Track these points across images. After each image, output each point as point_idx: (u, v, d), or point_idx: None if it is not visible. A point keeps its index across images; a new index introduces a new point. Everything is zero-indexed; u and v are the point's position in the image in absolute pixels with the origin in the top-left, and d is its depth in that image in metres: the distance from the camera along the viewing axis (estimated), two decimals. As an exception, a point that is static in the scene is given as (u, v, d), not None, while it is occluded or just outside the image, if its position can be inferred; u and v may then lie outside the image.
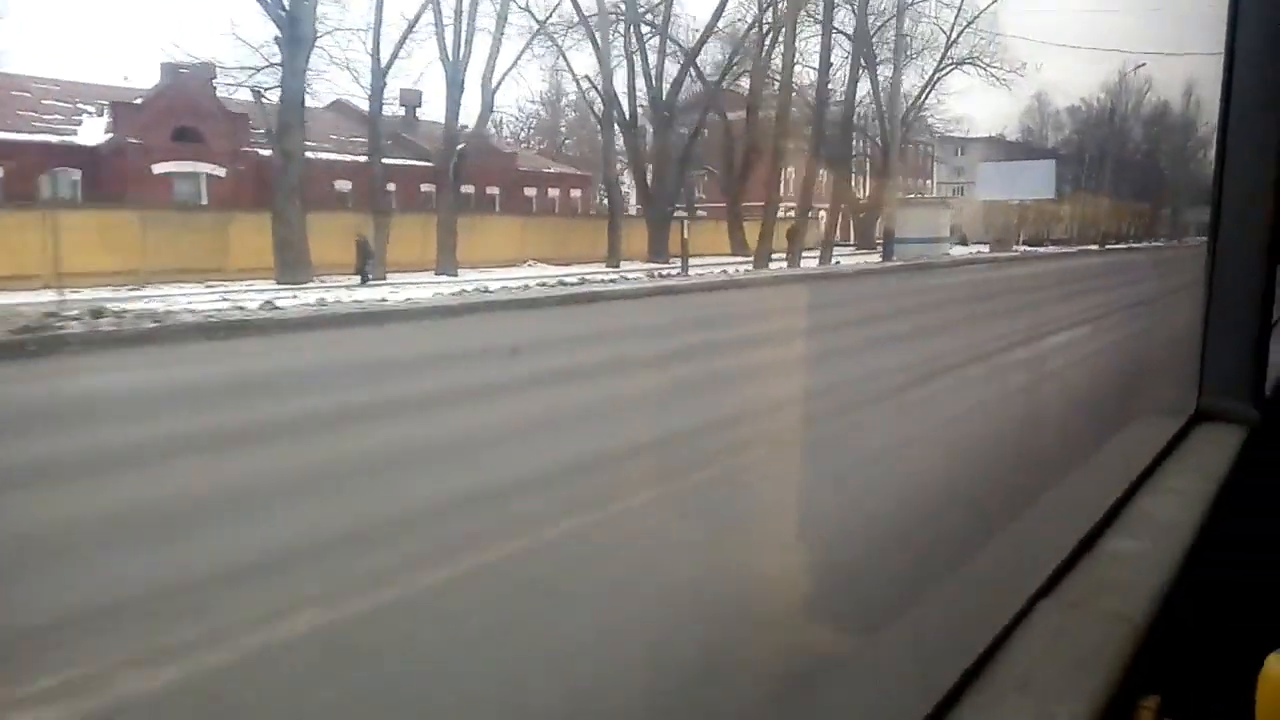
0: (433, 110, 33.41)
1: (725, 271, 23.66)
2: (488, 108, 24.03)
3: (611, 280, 20.57)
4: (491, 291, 17.15)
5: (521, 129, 52.41)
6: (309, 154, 21.85)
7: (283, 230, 19.94)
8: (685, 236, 23.06)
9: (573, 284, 18.32)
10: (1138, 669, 1.00)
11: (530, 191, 41.71)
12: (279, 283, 19.08)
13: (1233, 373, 2.06)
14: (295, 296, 15.59)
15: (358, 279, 20.79)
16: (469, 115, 26.10)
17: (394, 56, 21.42)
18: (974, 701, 0.91)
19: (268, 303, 14.21)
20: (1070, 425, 6.14)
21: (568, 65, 32.86)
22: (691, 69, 33.04)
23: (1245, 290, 2.07)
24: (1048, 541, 1.40)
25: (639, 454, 5.27)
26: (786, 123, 35.08)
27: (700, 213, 41.56)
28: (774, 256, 31.85)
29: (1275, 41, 1.93)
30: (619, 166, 34.67)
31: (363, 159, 25.91)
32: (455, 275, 22.60)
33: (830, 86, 48.87)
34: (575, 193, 46.64)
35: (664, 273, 23.12)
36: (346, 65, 30.82)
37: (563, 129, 52.48)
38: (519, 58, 29.84)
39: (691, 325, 14.53)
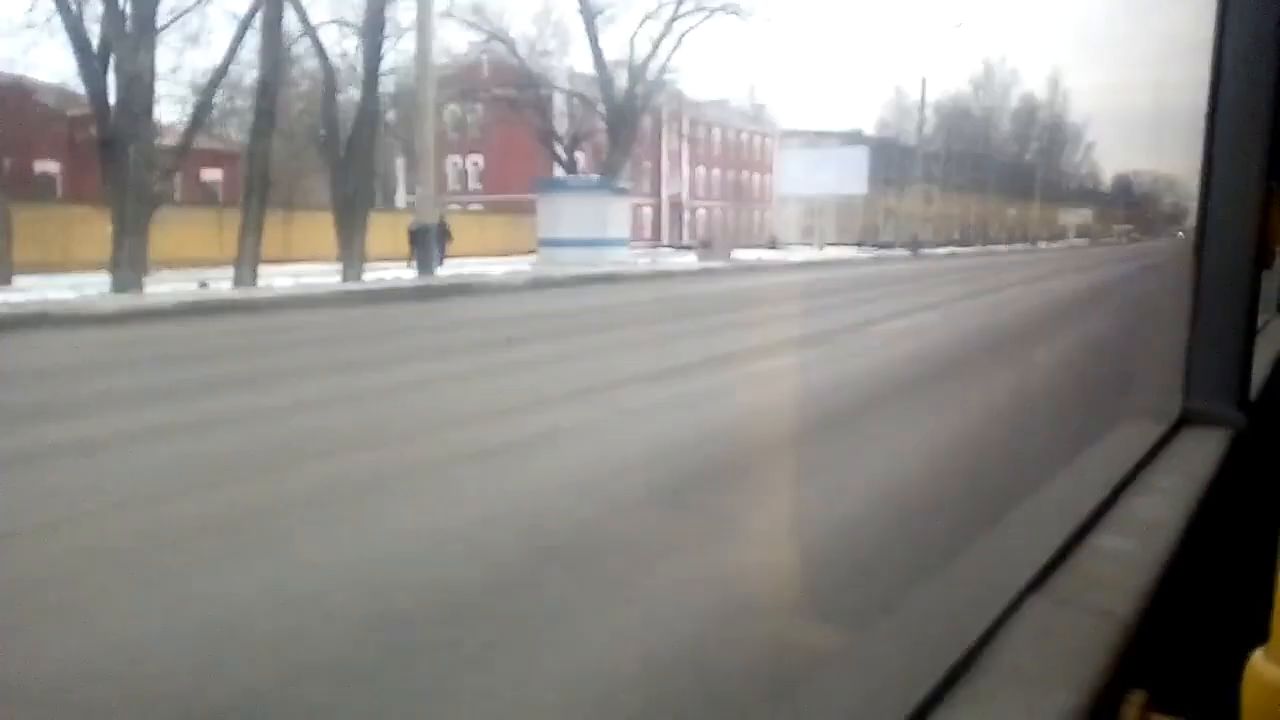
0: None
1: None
2: None
3: None
4: None
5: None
6: None
7: None
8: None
9: None
10: (1125, 664, 1.01)
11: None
12: None
13: (1218, 376, 2.04)
14: None
15: None
16: None
17: None
18: (962, 694, 0.91)
19: None
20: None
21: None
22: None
23: (1230, 294, 2.03)
24: (1037, 539, 1.38)
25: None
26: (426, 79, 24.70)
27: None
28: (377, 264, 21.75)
29: (1263, 42, 1.91)
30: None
31: None
32: None
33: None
34: (215, 173, 36.01)
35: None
36: None
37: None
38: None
39: None
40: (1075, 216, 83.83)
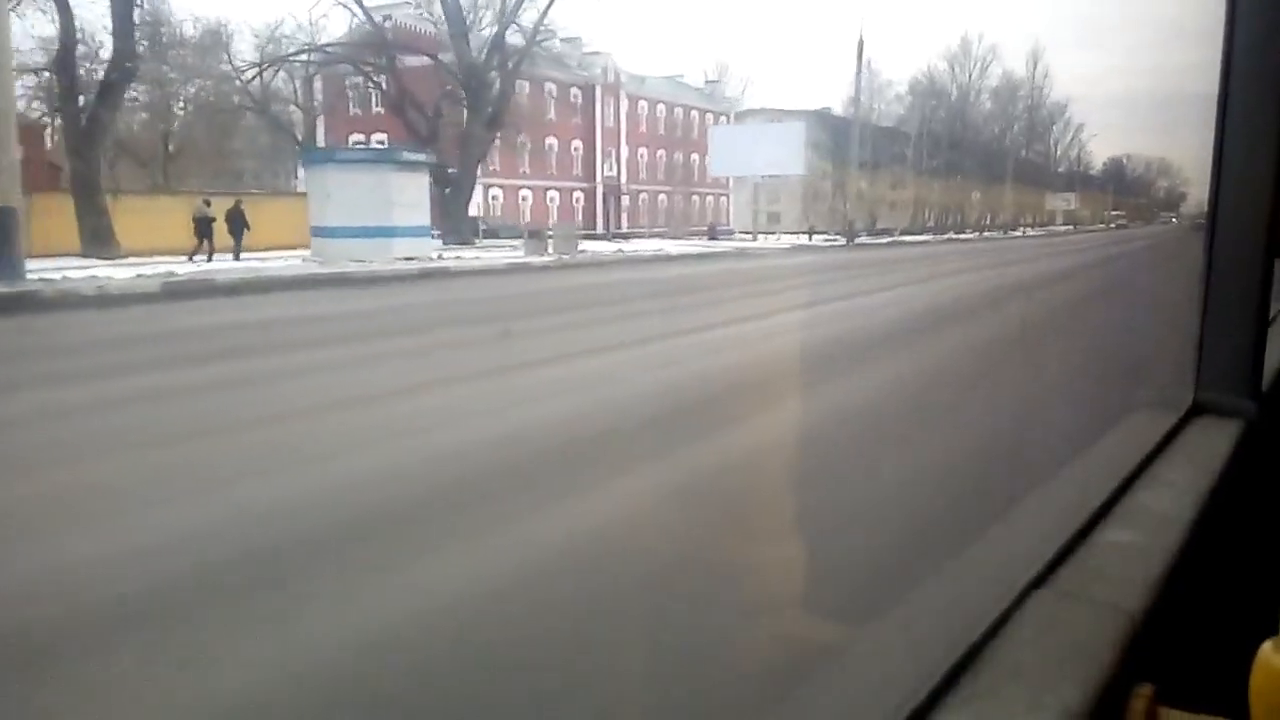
0: None
1: None
2: None
3: None
4: None
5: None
6: None
7: None
8: None
9: None
10: (1132, 658, 1.00)
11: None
12: None
13: (1230, 366, 1.98)
14: None
15: None
16: None
17: None
18: (967, 690, 0.89)
19: None
20: None
21: None
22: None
23: (1243, 283, 1.97)
24: (1043, 532, 1.35)
25: None
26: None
27: None
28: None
29: (1276, 26, 1.86)
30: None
31: None
32: None
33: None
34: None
35: None
36: None
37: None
38: None
39: None
40: (1060, 202, 79.14)
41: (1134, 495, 1.43)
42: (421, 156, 20.70)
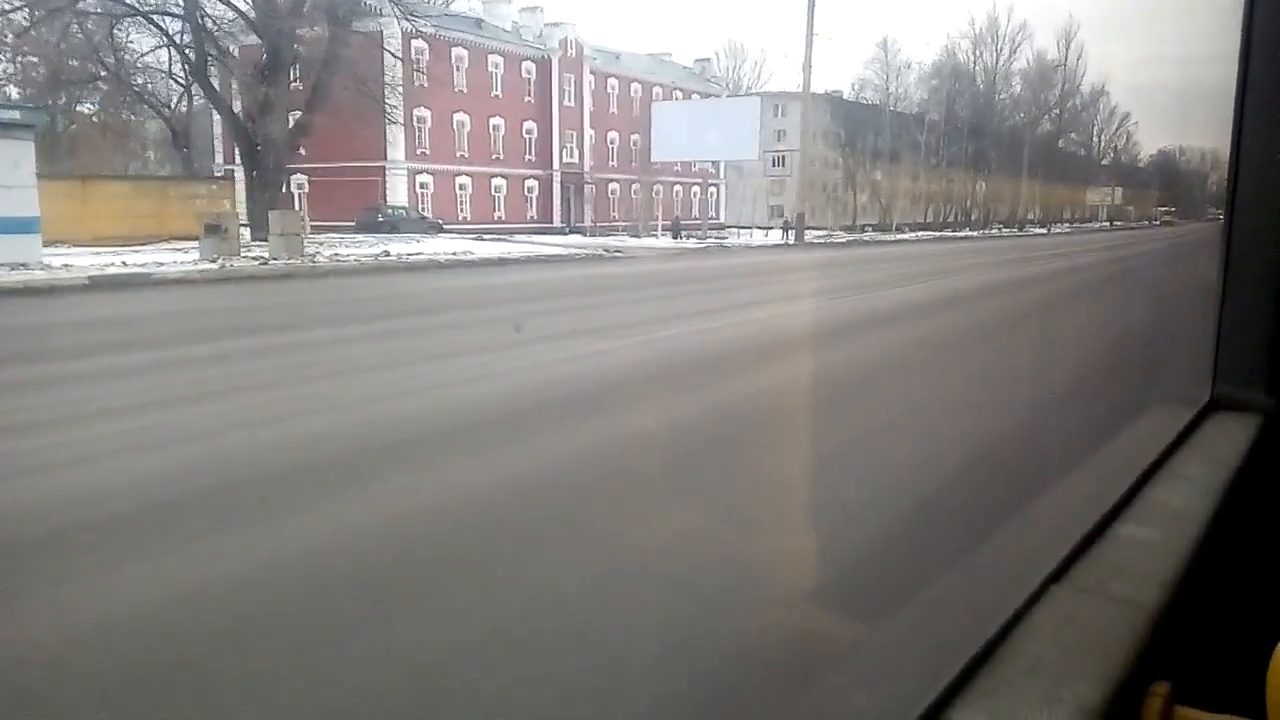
0: None
1: None
2: None
3: None
4: None
5: None
6: None
7: None
8: None
9: None
10: (1148, 655, 0.98)
11: None
12: None
13: (1248, 360, 1.91)
14: None
15: None
16: None
17: None
18: (983, 685, 0.88)
19: None
20: None
21: None
22: None
23: (1262, 275, 1.89)
24: (1060, 527, 1.32)
25: None
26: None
27: None
28: None
29: None
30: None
31: None
32: None
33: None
34: None
35: None
36: None
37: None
38: None
39: None
40: (1098, 196, 71.31)
41: (1151, 491, 1.39)
42: (14, 114, 13.95)
